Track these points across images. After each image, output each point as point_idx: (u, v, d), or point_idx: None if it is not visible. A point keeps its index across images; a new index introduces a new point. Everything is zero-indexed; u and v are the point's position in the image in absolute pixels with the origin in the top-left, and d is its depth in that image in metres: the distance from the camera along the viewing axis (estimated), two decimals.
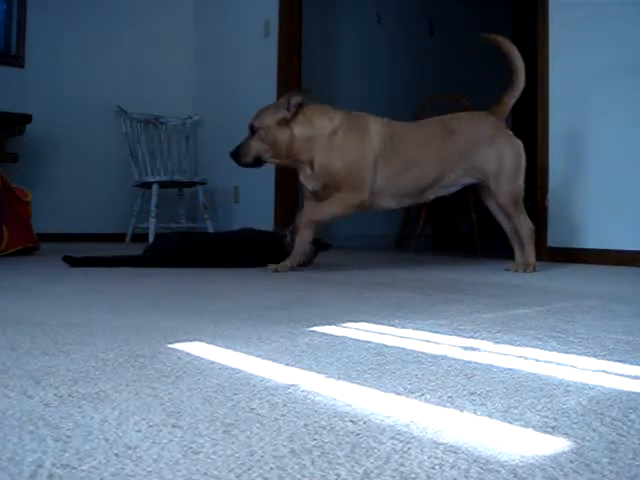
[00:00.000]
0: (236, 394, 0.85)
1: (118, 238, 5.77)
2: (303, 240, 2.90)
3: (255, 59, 5.72)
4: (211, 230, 5.59)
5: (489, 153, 3.08)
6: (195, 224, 5.87)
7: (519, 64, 3.13)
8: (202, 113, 6.33)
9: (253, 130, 2.94)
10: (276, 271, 2.83)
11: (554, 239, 3.92)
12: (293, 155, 2.93)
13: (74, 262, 2.91)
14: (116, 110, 5.87)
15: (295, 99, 2.89)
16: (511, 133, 3.14)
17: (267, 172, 5.19)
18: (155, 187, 5.43)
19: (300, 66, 5.46)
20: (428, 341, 1.26)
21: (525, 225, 3.13)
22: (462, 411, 0.79)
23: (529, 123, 4.22)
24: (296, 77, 5.43)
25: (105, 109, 5.98)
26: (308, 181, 2.96)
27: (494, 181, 3.08)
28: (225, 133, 6.04)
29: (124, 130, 5.85)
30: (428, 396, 0.86)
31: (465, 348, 1.19)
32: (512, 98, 3.16)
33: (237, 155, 2.99)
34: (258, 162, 2.98)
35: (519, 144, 3.12)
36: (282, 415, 0.76)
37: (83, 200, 5.89)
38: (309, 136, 2.90)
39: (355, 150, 2.90)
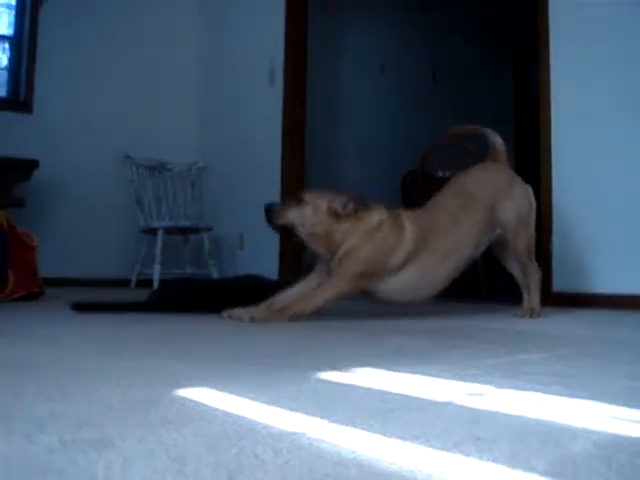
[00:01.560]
0: (240, 440, 0.84)
1: (123, 283, 5.77)
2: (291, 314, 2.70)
3: (260, 107, 5.79)
4: (216, 276, 5.59)
5: (508, 206, 3.03)
6: (200, 270, 5.88)
7: (485, 130, 3.28)
8: (207, 159, 6.39)
9: (299, 200, 2.79)
10: (252, 320, 2.62)
11: (559, 283, 3.91)
12: (326, 244, 2.78)
13: (78, 308, 2.91)
14: (123, 157, 5.94)
15: (354, 205, 2.75)
16: (521, 180, 3.16)
17: None
18: (160, 233, 5.46)
19: (305, 114, 5.52)
20: (433, 387, 1.25)
21: (534, 272, 3.13)
22: (467, 456, 0.79)
23: (532, 166, 4.25)
24: (301, 125, 5.49)
25: (111, 155, 6.04)
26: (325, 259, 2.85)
27: (512, 233, 3.04)
28: (230, 179, 6.10)
29: (130, 176, 5.91)
30: (433, 442, 0.85)
31: (470, 394, 1.19)
32: (500, 142, 3.24)
33: (270, 212, 2.81)
34: (285, 230, 2.83)
35: (530, 191, 3.13)
36: (287, 462, 0.76)
37: (88, 245, 5.91)
38: (352, 227, 2.77)
39: (390, 246, 2.79)
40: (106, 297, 3.32)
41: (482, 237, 3.01)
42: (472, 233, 2.97)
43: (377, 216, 2.81)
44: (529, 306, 3.12)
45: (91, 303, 2.98)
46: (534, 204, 3.13)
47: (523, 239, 3.06)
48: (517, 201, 3.06)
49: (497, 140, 3.24)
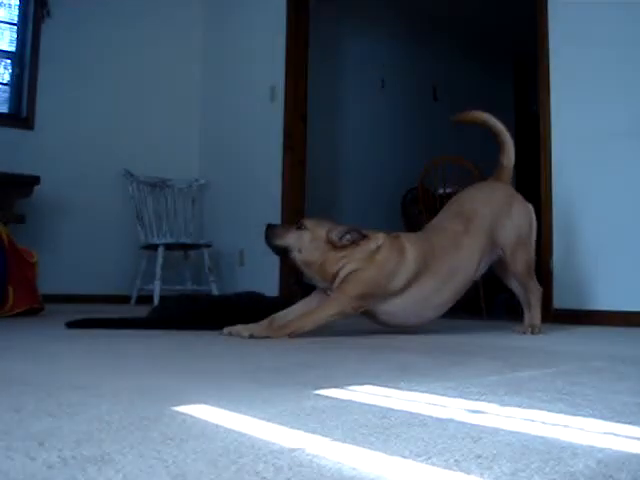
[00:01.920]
0: (241, 457, 0.84)
1: (123, 300, 5.77)
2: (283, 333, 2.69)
3: (261, 123, 5.82)
4: (216, 293, 5.59)
5: (508, 226, 3.03)
6: (200, 287, 5.88)
7: (499, 126, 3.20)
8: (208, 176, 6.41)
9: (299, 226, 2.83)
10: (251, 336, 2.63)
11: (560, 300, 3.91)
12: (320, 272, 2.80)
13: (77, 325, 2.90)
14: (123, 173, 5.96)
15: (352, 237, 2.77)
16: (522, 198, 3.15)
17: None
18: (161, 249, 5.47)
19: (306, 130, 5.54)
20: (434, 404, 1.25)
21: (535, 289, 3.13)
22: (469, 474, 0.79)
23: (532, 185, 4.27)
24: (302, 141, 5.51)
25: (112, 172, 6.06)
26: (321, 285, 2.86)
27: (511, 253, 3.03)
28: (231, 196, 6.11)
29: (131, 193, 5.92)
30: (434, 459, 0.85)
31: (471, 411, 1.18)
32: (508, 159, 3.20)
33: (271, 232, 2.85)
34: (282, 251, 2.85)
35: (531, 209, 3.12)
36: (287, 479, 0.76)
37: (88, 261, 5.92)
38: (350, 254, 2.78)
39: (390, 269, 2.79)
40: (106, 313, 3.31)
41: (483, 259, 3.01)
42: (473, 255, 2.96)
43: (374, 241, 2.82)
44: (530, 322, 3.12)
45: (90, 320, 2.96)
46: (534, 223, 3.13)
47: (523, 259, 3.05)
48: (517, 221, 3.06)
49: (503, 131, 3.20)
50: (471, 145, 6.84)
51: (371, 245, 2.81)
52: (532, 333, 3.04)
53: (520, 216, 3.07)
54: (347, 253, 2.78)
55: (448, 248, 2.94)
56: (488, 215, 3.01)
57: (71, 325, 2.89)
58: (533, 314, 3.13)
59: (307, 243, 2.79)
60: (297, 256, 2.81)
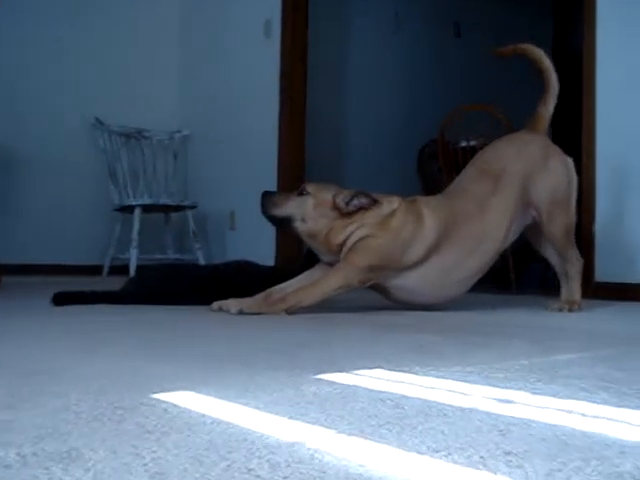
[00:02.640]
0: (231, 453, 0.84)
1: (93, 271, 5.78)
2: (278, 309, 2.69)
3: (254, 64, 5.77)
4: (202, 262, 5.59)
5: (543, 183, 3.01)
6: (184, 255, 5.88)
7: (547, 63, 3.16)
8: (192, 126, 6.38)
9: (302, 192, 2.83)
10: (241, 312, 2.63)
11: (603, 273, 3.90)
12: (326, 243, 2.80)
13: (64, 300, 2.85)
14: (93, 122, 5.92)
15: (359, 202, 2.77)
16: (560, 151, 3.12)
17: None
18: (137, 212, 5.46)
19: (306, 73, 5.49)
20: (455, 391, 1.25)
21: (574, 259, 3.11)
22: (495, 474, 0.79)
23: (572, 137, 4.24)
24: (301, 86, 5.46)
25: (80, 121, 6.02)
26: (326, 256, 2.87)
27: (547, 214, 3.01)
28: (219, 149, 6.08)
29: (102, 145, 5.90)
30: (455, 456, 0.85)
31: (499, 400, 1.18)
32: (548, 106, 3.16)
33: (268, 201, 2.86)
34: (283, 223, 2.86)
35: (571, 164, 3.09)
36: (285, 477, 0.76)
37: (52, 226, 5.91)
38: (359, 220, 2.79)
39: (406, 237, 2.79)
40: (73, 286, 3.32)
41: (513, 224, 3.00)
42: (502, 220, 2.95)
43: (388, 205, 2.82)
44: (568, 298, 3.12)
45: (66, 293, 2.93)
46: (575, 180, 3.11)
47: (560, 223, 3.04)
48: (554, 177, 3.04)
49: (550, 69, 3.16)
50: (500, 91, 6.79)
51: (384, 209, 2.80)
52: (570, 310, 3.04)
53: (557, 172, 3.05)
54: (356, 219, 2.78)
55: (473, 213, 2.93)
56: (519, 172, 3.00)
57: (58, 301, 2.82)
58: (571, 288, 3.13)
59: (311, 210, 2.79)
60: (300, 226, 2.82)
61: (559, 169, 3.06)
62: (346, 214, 2.78)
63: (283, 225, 2.90)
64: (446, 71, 7.14)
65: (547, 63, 3.16)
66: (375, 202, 2.79)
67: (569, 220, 3.07)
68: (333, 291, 2.74)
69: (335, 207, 2.78)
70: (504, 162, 3.03)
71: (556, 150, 3.11)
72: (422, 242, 2.81)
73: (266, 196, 2.88)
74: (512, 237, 3.05)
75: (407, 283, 2.86)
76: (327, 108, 6.36)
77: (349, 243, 2.77)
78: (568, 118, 4.21)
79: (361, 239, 2.76)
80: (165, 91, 6.58)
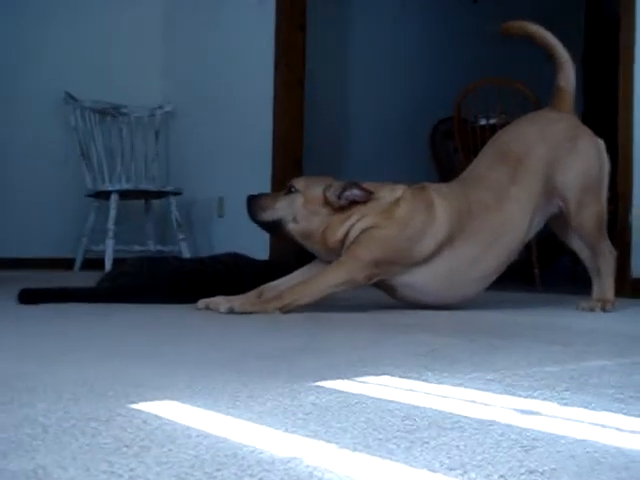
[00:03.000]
0: (219, 470, 0.84)
1: (64, 264, 5.76)
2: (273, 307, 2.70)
3: (245, 32, 5.76)
4: (187, 255, 5.59)
5: (570, 168, 3.00)
6: (166, 247, 5.88)
7: (552, 40, 3.18)
8: (175, 102, 6.36)
9: (290, 190, 2.86)
10: (231, 311, 2.64)
11: None
12: (322, 242, 2.83)
13: (31, 298, 2.85)
14: (63, 97, 5.90)
15: (352, 194, 2.78)
16: (590, 132, 3.11)
17: (261, 177, 5.21)
18: (114, 198, 5.46)
19: (305, 42, 5.48)
20: (472, 401, 1.25)
21: (607, 252, 3.11)
22: None
23: (606, 114, 4.23)
24: (300, 57, 5.45)
25: (48, 96, 6.00)
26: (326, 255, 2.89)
27: (575, 203, 3.01)
28: (205, 128, 6.07)
29: (73, 123, 5.89)
30: (472, 474, 0.85)
31: (522, 411, 1.18)
32: (568, 80, 3.17)
33: (254, 205, 2.90)
34: (274, 227, 2.91)
35: (602, 146, 3.08)
36: None
37: (17, 214, 5.89)
38: (359, 211, 2.81)
39: (415, 229, 2.80)
40: (42, 283, 3.32)
41: (537, 214, 3.00)
42: (524, 210, 2.95)
43: (391, 193, 2.83)
44: (600, 296, 3.12)
45: (31, 290, 2.92)
46: (607, 164, 3.10)
47: (591, 212, 3.03)
48: (583, 161, 3.03)
49: (558, 45, 3.18)
50: (522, 61, 6.76)
51: (387, 197, 2.81)
52: (602, 310, 3.04)
53: (587, 155, 3.05)
54: (354, 212, 2.79)
55: (491, 202, 2.93)
56: (543, 155, 2.99)
57: (25, 299, 2.82)
58: (604, 285, 3.13)
59: (301, 209, 2.82)
60: (293, 228, 2.84)
61: (589, 152, 3.06)
62: (339, 209, 2.79)
63: (275, 229, 2.93)
64: (460, 42, 7.11)
65: (550, 38, 3.19)
66: (370, 194, 2.80)
67: (600, 209, 3.06)
68: (334, 288, 2.74)
69: (327, 202, 2.80)
70: (526, 144, 3.03)
71: (585, 130, 3.11)
72: (433, 234, 2.81)
73: (252, 200, 2.91)
74: (535, 228, 3.06)
75: (416, 281, 2.86)
76: (327, 82, 6.34)
77: (351, 236, 2.78)
78: (601, 94, 4.20)
79: (365, 230, 2.77)
80: (145, 61, 6.54)
